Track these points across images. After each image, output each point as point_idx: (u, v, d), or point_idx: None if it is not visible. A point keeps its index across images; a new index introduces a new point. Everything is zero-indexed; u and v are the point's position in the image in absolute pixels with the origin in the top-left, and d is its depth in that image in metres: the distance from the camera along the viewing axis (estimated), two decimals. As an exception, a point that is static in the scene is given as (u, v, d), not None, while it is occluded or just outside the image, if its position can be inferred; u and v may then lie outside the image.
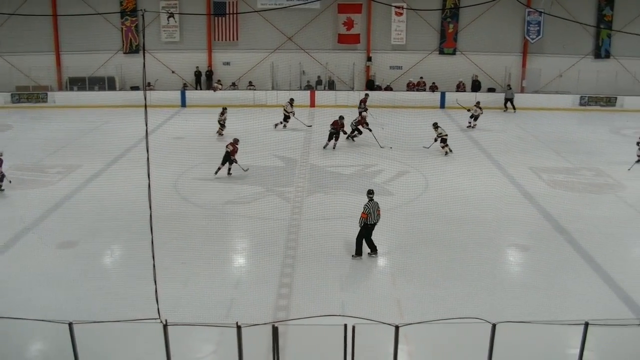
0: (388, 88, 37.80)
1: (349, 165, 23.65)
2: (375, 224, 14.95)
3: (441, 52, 38.63)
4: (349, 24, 37.60)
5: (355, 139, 27.62)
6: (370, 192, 15.06)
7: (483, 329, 9.04)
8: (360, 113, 28.43)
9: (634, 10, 37.62)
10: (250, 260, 15.69)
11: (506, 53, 38.35)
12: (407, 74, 38.37)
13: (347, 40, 37.96)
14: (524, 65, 38.78)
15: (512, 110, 35.76)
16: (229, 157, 21.84)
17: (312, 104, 35.88)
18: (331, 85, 37.81)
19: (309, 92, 36.54)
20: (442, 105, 36.45)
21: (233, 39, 37.77)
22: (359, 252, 15.06)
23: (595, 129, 31.70)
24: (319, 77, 37.92)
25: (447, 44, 38.39)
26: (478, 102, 31.29)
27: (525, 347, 11.05)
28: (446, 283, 14.09)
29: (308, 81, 37.93)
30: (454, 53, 38.55)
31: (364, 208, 14.77)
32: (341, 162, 24.04)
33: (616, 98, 37.27)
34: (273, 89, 37.02)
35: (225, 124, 28.13)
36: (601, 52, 38.68)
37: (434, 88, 37.43)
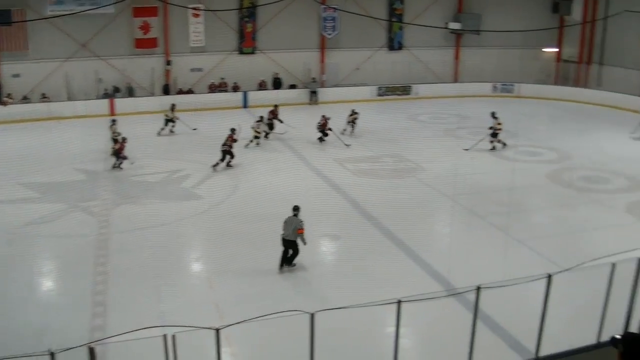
0: (190, 91, 37.27)
1: (154, 173, 22.97)
2: (288, 240, 14.69)
3: (241, 52, 38.60)
4: (146, 28, 36.55)
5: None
6: (294, 209, 15.03)
7: (303, 320, 9.13)
8: (323, 116, 27.77)
9: (423, 3, 40.04)
10: (59, 282, 14.87)
11: (305, 49, 39.15)
12: (208, 75, 38.02)
13: (144, 44, 36.84)
14: (322, 60, 39.87)
15: (315, 103, 36.76)
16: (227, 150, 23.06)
17: (112, 113, 34.43)
18: (131, 92, 36.56)
19: (107, 100, 35.12)
20: (245, 105, 36.59)
21: (22, 49, 35.38)
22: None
23: (393, 117, 33.36)
24: (113, 86, 36.30)
25: (246, 43, 38.47)
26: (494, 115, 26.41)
27: (347, 331, 11.45)
28: (263, 280, 14.23)
29: (105, 89, 36.37)
30: (253, 52, 38.72)
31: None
32: (145, 170, 23.27)
33: (411, 87, 39.53)
34: (69, 99, 35.10)
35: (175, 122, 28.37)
36: (394, 44, 40.72)
37: (236, 88, 37.42)
